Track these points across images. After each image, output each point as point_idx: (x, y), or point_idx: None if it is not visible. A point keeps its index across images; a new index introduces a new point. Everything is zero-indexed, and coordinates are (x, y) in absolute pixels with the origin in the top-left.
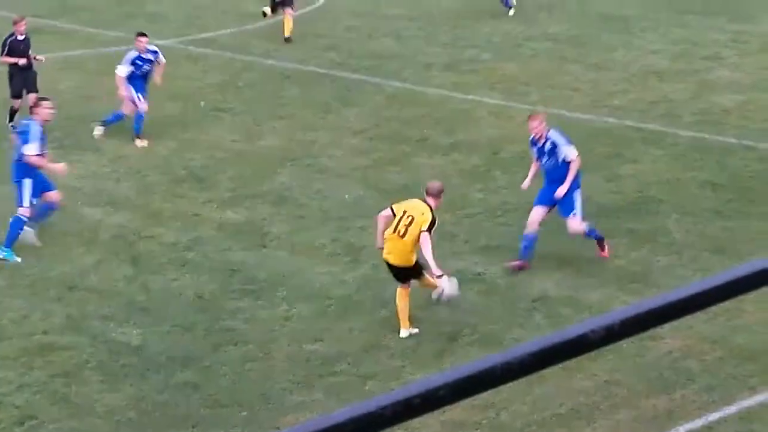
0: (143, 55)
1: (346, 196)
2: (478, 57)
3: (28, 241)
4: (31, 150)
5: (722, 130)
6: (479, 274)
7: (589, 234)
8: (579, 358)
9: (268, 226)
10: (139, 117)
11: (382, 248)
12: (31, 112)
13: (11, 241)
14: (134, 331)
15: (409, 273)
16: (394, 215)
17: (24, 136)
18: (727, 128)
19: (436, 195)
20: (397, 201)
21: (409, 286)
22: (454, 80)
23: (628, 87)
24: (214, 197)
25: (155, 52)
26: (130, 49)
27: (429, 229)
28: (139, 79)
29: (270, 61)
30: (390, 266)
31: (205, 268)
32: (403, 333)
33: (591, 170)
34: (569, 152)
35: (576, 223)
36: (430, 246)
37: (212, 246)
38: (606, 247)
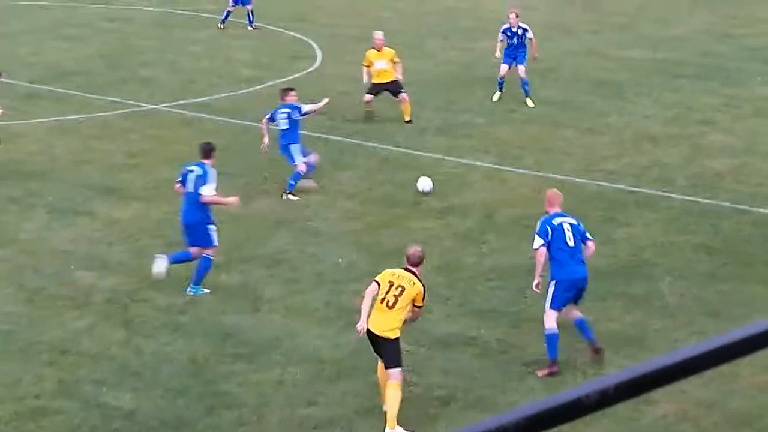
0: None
1: (340, 259)
2: (472, 121)
3: (160, 270)
4: (208, 190)
5: (716, 194)
6: (473, 337)
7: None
8: (573, 422)
9: (262, 290)
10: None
11: (365, 328)
12: None
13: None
14: (127, 396)
15: (389, 346)
16: (379, 286)
17: (203, 179)
18: (721, 192)
19: (419, 263)
20: (390, 266)
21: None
22: (448, 144)
23: (622, 151)
24: None
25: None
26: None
27: (423, 303)
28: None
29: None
30: (372, 336)
31: (199, 332)
32: None
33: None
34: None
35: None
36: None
37: (206, 309)
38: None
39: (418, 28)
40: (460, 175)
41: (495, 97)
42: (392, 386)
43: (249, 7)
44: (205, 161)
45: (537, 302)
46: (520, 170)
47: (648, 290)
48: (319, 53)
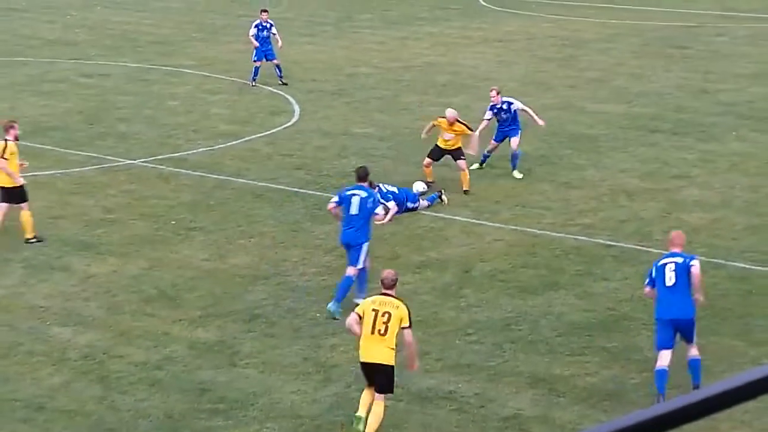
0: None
1: (317, 314)
2: (450, 176)
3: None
4: (382, 210)
5: (692, 249)
6: (451, 392)
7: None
8: None
9: (239, 345)
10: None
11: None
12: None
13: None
14: None
15: (386, 374)
16: (361, 317)
17: (370, 200)
18: (697, 246)
19: (393, 285)
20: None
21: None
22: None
23: (599, 205)
24: (185, 316)
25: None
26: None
27: (410, 323)
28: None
29: (241, 180)
30: (368, 366)
31: (175, 388)
32: None
33: (563, 288)
34: None
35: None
36: (413, 339)
37: (182, 365)
38: None
39: (396, 84)
40: (437, 230)
41: (474, 166)
42: (379, 405)
43: (275, 62)
44: (365, 184)
45: (514, 357)
46: (497, 225)
47: (626, 344)
48: (296, 108)
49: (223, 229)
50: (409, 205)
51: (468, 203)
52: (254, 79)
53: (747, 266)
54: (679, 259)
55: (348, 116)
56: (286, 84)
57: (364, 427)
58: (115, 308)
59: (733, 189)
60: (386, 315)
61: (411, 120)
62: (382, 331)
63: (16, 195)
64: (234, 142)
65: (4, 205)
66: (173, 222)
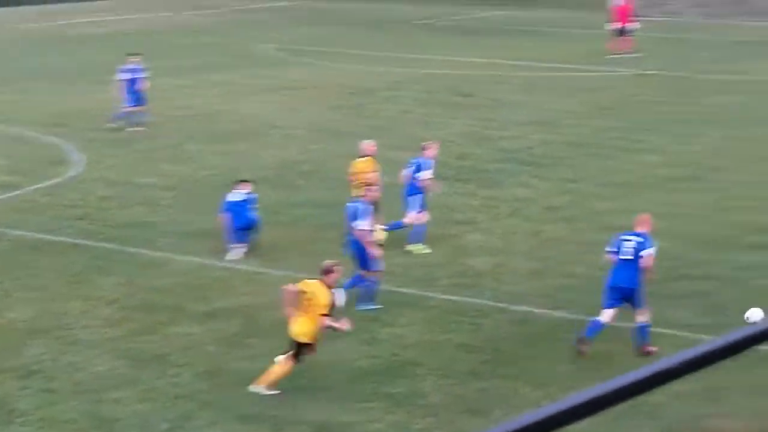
0: None
1: (100, 367)
2: None
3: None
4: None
5: (476, 293)
6: None
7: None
8: None
9: (15, 402)
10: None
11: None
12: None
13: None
14: None
15: (297, 348)
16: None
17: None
18: (481, 291)
19: (327, 272)
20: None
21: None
22: (210, 247)
23: (385, 252)
24: None
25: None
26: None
27: (326, 311)
28: None
29: (18, 232)
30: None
31: None
32: (255, 388)
33: (349, 334)
34: None
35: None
36: (328, 324)
37: None
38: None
39: (181, 132)
40: (222, 279)
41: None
42: (281, 362)
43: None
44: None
45: (301, 405)
46: (284, 272)
47: (411, 390)
48: (78, 157)
49: (0, 282)
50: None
51: (254, 251)
52: (128, 123)
53: (529, 309)
54: (640, 239)
55: (133, 165)
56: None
57: None
58: None
59: (515, 234)
60: (310, 295)
61: (195, 169)
62: (303, 310)
63: None
64: (13, 194)
65: None
66: None
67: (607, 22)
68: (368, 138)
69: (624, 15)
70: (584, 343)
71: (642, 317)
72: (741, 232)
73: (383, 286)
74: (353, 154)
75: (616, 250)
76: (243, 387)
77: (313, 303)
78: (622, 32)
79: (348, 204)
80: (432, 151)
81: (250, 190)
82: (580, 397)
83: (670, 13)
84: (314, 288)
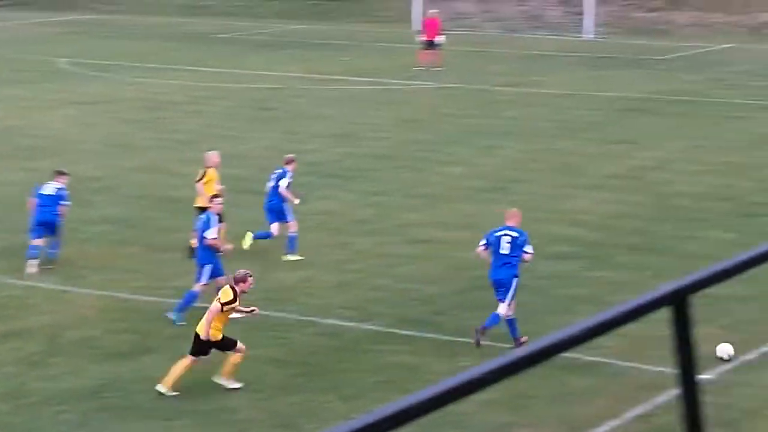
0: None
1: None
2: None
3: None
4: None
5: (285, 307)
6: None
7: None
8: None
9: None
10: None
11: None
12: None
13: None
14: None
15: (198, 343)
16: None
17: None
18: (290, 305)
19: (239, 281)
20: None
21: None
22: (8, 266)
23: (189, 268)
24: None
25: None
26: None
27: (224, 304)
28: None
29: None
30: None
31: None
32: (161, 388)
33: (155, 352)
34: None
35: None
36: (211, 315)
37: None
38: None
39: None
40: (20, 298)
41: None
42: (182, 361)
43: None
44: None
45: (105, 425)
46: (86, 290)
47: (220, 405)
48: None
49: None
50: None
51: (55, 269)
52: None
53: (337, 323)
54: (515, 234)
55: None
56: None
57: None
58: None
59: (322, 247)
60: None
61: None
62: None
63: None
64: None
65: None
66: None
67: (418, 35)
68: (167, 152)
69: (432, 28)
70: (483, 333)
71: (509, 311)
72: (541, 242)
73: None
74: (152, 168)
75: (486, 243)
76: (47, 407)
77: (219, 301)
78: (430, 45)
79: (199, 215)
80: (293, 164)
81: (63, 185)
82: (389, 409)
83: (468, 27)
84: (224, 291)
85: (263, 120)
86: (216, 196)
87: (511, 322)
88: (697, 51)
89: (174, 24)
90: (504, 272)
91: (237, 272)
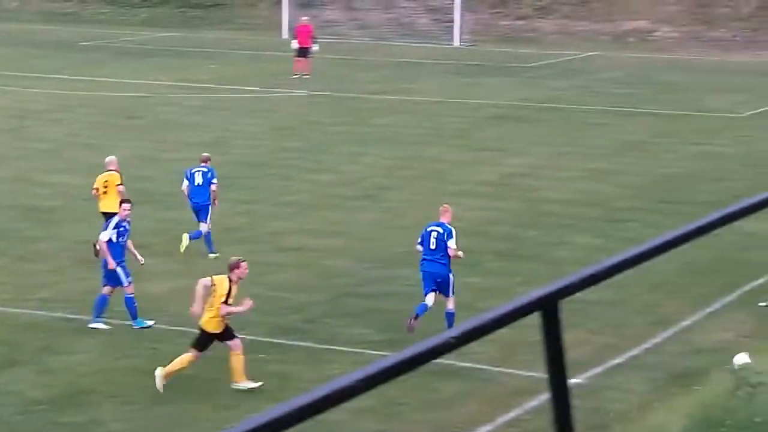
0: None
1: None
2: None
3: None
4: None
5: (156, 317)
6: None
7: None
8: None
9: None
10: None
11: (199, 314)
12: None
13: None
14: None
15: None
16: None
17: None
18: (161, 315)
19: (232, 268)
20: None
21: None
22: None
23: (58, 279)
24: None
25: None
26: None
27: (225, 300)
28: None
29: None
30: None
31: None
32: (158, 372)
33: (21, 365)
34: None
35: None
36: (226, 311)
37: None
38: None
39: None
40: None
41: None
42: (186, 356)
43: None
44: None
45: None
46: None
47: (90, 418)
48: None
49: None
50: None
51: None
52: None
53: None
54: (440, 230)
55: None
56: None
57: None
58: None
59: (193, 256)
60: (214, 287)
61: None
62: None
63: None
64: None
65: None
66: None
67: (291, 42)
68: (31, 161)
69: (305, 36)
70: (415, 319)
71: (450, 304)
72: (410, 249)
73: (59, 314)
74: (17, 178)
75: (421, 240)
76: None
77: (216, 294)
78: (303, 53)
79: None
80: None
81: None
82: (261, 418)
83: (337, 35)
84: (219, 281)
85: (130, 128)
86: (125, 201)
87: (451, 316)
88: (563, 59)
89: (38, 32)
90: (435, 267)
91: (230, 260)
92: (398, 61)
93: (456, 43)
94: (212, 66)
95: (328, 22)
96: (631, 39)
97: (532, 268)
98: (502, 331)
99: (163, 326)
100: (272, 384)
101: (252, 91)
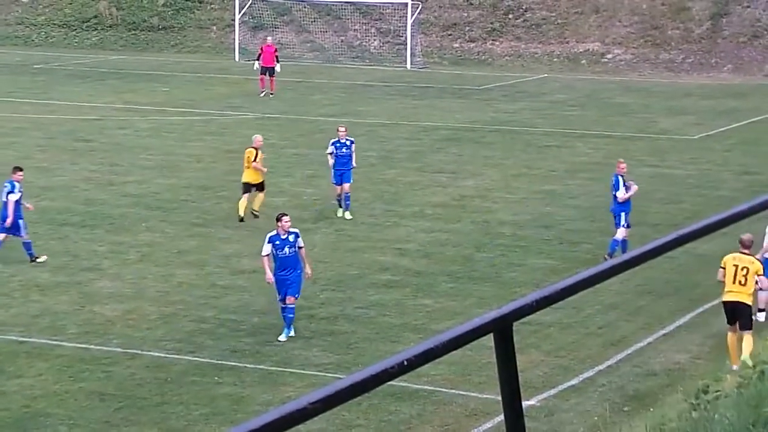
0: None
1: None
2: None
3: None
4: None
5: (107, 340)
6: None
7: None
8: None
9: None
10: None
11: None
12: None
13: None
14: None
15: (747, 313)
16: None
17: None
18: (112, 338)
19: (750, 245)
20: None
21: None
22: None
23: (10, 301)
24: None
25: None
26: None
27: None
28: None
29: None
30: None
31: None
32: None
33: None
34: None
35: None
36: None
37: None
38: None
39: None
40: None
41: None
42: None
43: None
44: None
45: None
46: None
47: None
48: None
49: None
50: None
51: None
52: None
53: (162, 354)
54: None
55: None
56: None
57: None
58: None
59: (145, 279)
60: (745, 269)
61: None
62: (743, 282)
63: None
64: None
65: None
66: None
67: (255, 63)
68: None
69: (270, 56)
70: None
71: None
72: (363, 271)
73: (11, 337)
74: None
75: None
76: None
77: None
78: (268, 72)
79: None
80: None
81: None
82: None
83: (289, 58)
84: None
85: (80, 152)
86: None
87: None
88: (515, 81)
89: None
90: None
91: (745, 238)
92: (350, 83)
93: (408, 65)
94: (164, 89)
95: (281, 44)
96: (583, 61)
97: (486, 290)
98: (457, 353)
99: (116, 349)
100: (227, 406)
101: (204, 114)
